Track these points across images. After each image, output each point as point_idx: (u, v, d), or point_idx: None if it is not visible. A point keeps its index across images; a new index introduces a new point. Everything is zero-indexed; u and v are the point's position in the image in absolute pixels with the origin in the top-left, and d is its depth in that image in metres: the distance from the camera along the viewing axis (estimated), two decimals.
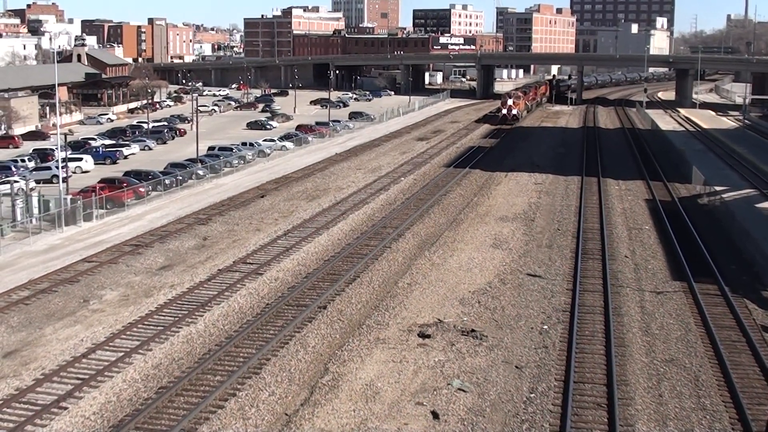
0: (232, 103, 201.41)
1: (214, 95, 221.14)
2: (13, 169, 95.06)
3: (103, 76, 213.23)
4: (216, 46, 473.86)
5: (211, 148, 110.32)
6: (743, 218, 68.19)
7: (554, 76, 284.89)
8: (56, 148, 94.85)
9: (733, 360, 40.30)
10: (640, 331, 44.56)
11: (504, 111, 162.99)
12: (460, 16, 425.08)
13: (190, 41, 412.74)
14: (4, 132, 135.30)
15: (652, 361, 40.42)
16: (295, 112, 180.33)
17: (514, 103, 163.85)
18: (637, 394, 36.76)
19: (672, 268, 56.93)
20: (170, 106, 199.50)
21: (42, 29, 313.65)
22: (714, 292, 51.20)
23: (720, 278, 53.39)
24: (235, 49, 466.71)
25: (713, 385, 37.83)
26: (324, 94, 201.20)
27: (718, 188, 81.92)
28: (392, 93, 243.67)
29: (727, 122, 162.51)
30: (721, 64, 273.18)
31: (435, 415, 34.95)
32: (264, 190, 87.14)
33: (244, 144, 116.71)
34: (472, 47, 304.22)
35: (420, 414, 35.16)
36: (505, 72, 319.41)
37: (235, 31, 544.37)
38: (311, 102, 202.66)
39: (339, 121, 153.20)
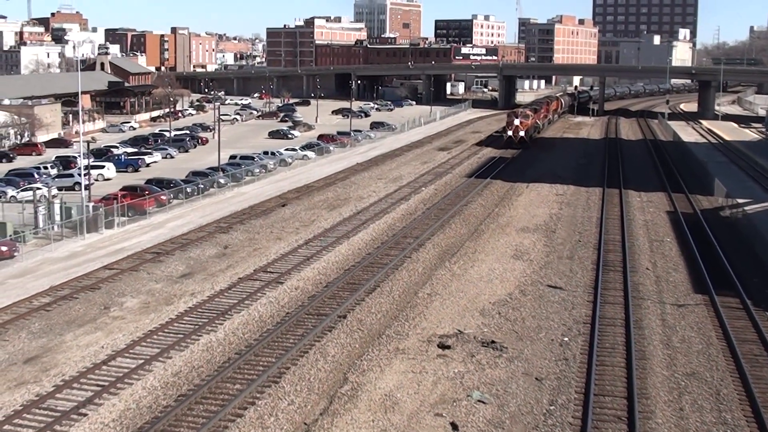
0: (254, 112, 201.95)
1: (237, 104, 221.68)
2: (36, 176, 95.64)
3: (126, 84, 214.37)
4: (238, 56, 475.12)
5: (232, 157, 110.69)
6: (766, 231, 67.79)
7: (576, 87, 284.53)
8: (79, 156, 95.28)
9: (755, 374, 40.03)
10: (661, 344, 44.35)
11: (509, 132, 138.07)
12: (482, 26, 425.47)
13: (213, 50, 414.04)
14: (28, 139, 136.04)
15: (673, 375, 40.21)
16: (316, 121, 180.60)
17: (521, 123, 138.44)
18: (657, 408, 36.57)
19: (694, 281, 56.66)
20: (192, 115, 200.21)
21: (66, 38, 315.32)
22: (736, 306, 50.90)
23: (742, 291, 53.09)
24: (257, 58, 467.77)
25: (734, 400, 37.59)
26: (346, 104, 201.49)
27: (740, 200, 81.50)
28: (414, 103, 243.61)
29: (750, 134, 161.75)
30: (743, 75, 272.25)
31: (454, 427, 34.87)
32: (285, 199, 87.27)
33: (265, 153, 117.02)
34: (494, 58, 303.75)
35: (439, 425, 35.08)
36: (527, 83, 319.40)
37: (257, 40, 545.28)
38: (333, 112, 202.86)
39: (360, 131, 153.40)
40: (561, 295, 53.39)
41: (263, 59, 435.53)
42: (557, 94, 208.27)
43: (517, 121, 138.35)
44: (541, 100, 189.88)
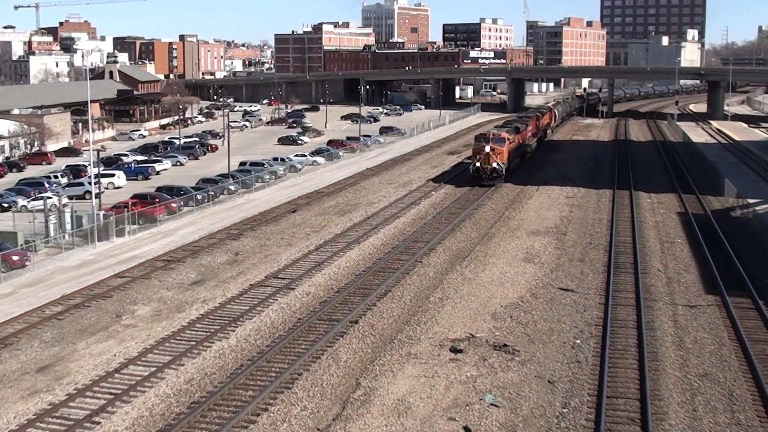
0: (263, 118, 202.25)
1: (246, 111, 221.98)
2: (47, 185, 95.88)
3: (135, 92, 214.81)
4: (247, 62, 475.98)
5: (242, 164, 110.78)
6: None
7: (584, 89, 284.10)
8: (89, 164, 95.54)
9: None
10: (673, 346, 44.26)
11: (478, 163, 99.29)
12: (490, 30, 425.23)
13: (221, 57, 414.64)
14: (37, 149, 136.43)
15: (685, 376, 40.12)
16: (326, 127, 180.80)
17: (493, 149, 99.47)
18: (670, 409, 36.48)
19: (705, 282, 56.52)
20: (202, 122, 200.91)
21: (74, 47, 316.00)
22: (748, 306, 50.76)
23: (754, 292, 52.94)
24: (266, 65, 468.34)
25: (748, 400, 37.50)
26: (355, 109, 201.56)
27: (751, 201, 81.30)
28: (422, 107, 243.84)
29: (760, 134, 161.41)
30: (752, 75, 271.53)
31: (467, 431, 34.84)
32: (295, 205, 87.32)
33: (275, 159, 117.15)
34: (503, 61, 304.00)
35: (452, 429, 35.05)
36: (535, 85, 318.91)
37: (266, 47, 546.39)
38: (342, 117, 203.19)
39: (370, 136, 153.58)
40: (572, 298, 53.32)
41: (272, 66, 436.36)
42: (550, 104, 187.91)
43: (487, 148, 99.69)
44: (527, 114, 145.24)
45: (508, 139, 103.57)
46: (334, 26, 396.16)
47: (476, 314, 50.20)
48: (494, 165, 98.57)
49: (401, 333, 47.03)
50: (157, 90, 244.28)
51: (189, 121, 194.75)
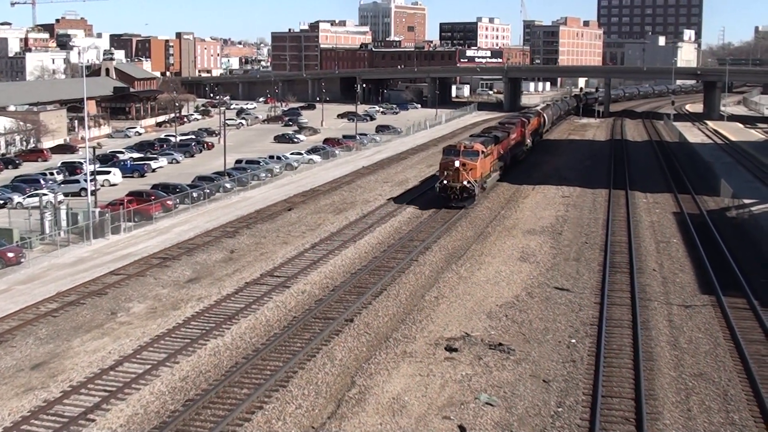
0: (259, 116, 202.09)
1: (241, 109, 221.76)
2: (42, 182, 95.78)
3: (131, 89, 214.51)
4: (243, 60, 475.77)
5: (238, 162, 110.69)
6: None
7: (581, 89, 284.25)
8: (85, 162, 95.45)
9: (763, 374, 39.90)
10: (668, 345, 44.27)
11: (445, 181, 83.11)
12: (486, 29, 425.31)
13: (218, 55, 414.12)
14: (33, 145, 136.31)
15: (680, 376, 40.14)
16: (322, 125, 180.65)
17: (464, 164, 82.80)
18: (665, 409, 36.50)
19: (700, 282, 56.53)
20: (198, 120, 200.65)
21: (71, 44, 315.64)
22: (743, 306, 50.76)
23: (749, 292, 52.96)
24: (262, 62, 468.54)
25: (742, 400, 37.53)
26: (351, 108, 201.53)
27: (746, 201, 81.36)
28: (419, 106, 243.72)
29: (756, 134, 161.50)
30: (749, 76, 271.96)
31: (462, 430, 34.84)
32: (291, 203, 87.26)
33: (271, 157, 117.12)
34: (499, 60, 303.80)
35: (447, 428, 35.06)
36: (532, 85, 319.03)
37: (262, 45, 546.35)
38: (338, 115, 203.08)
39: (366, 135, 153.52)
40: (568, 297, 53.33)
41: (268, 63, 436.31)
42: (539, 107, 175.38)
43: (457, 162, 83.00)
44: (511, 120, 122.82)
45: (483, 151, 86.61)
46: (331, 24, 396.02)
47: (471, 313, 50.21)
48: (465, 183, 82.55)
49: (396, 332, 47.03)
50: (154, 87, 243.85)
51: (185, 119, 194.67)
